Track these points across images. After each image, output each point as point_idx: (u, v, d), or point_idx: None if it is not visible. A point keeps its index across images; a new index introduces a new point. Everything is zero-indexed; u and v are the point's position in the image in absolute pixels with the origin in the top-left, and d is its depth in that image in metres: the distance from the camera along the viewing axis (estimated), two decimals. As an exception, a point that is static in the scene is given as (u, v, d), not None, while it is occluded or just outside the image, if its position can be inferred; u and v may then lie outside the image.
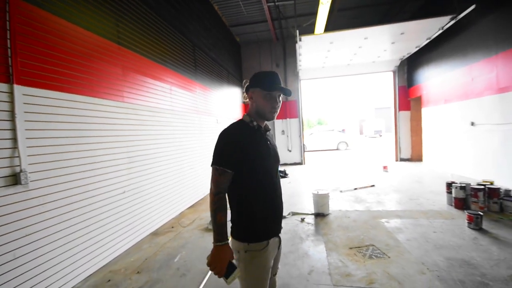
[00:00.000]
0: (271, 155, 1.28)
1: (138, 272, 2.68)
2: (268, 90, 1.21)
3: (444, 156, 6.90)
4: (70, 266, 2.41)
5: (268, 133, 1.36)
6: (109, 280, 2.54)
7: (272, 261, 1.30)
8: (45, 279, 2.15)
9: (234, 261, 1.18)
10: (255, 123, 1.27)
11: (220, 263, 1.13)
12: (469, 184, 3.91)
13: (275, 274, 1.41)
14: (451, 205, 4.07)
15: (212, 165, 1.19)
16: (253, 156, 1.19)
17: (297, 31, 6.02)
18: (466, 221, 3.29)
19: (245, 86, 1.31)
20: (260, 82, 1.23)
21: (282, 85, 1.25)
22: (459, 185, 3.91)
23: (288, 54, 9.61)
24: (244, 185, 1.21)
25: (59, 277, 2.29)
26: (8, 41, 1.93)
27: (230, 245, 1.21)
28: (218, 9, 7.17)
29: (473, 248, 2.75)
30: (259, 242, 1.20)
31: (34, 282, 2.07)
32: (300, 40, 6.22)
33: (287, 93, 1.24)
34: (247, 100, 1.32)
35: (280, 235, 1.34)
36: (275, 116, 1.27)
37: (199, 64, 5.87)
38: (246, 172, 1.18)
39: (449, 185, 4.12)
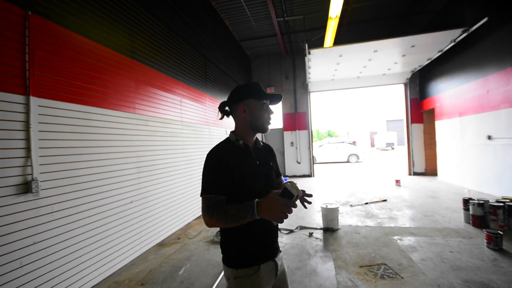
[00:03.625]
0: (258, 175, 1.17)
1: (142, 284, 2.65)
2: (263, 98, 1.15)
3: (460, 170, 6.64)
4: (76, 276, 2.41)
5: (259, 149, 1.26)
6: (112, 292, 2.52)
7: None
8: (50, 289, 2.16)
9: (274, 192, 0.99)
10: (241, 142, 1.18)
11: (277, 208, 0.91)
12: (488, 201, 3.72)
13: None
14: (469, 223, 3.87)
15: (202, 195, 1.07)
16: (237, 177, 1.09)
17: (306, 44, 6.11)
18: (485, 240, 3.10)
19: (226, 102, 1.22)
20: (252, 92, 1.16)
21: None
22: (477, 202, 3.72)
23: (297, 66, 9.70)
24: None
25: (64, 287, 2.29)
26: (27, 55, 2.04)
27: (224, 270, 1.15)
28: (229, 24, 7.38)
29: (492, 270, 2.57)
30: (248, 267, 1.10)
31: (39, 291, 2.08)
32: (309, 53, 6.28)
33: (279, 99, 1.20)
34: (221, 118, 1.25)
35: (276, 259, 1.20)
36: (269, 129, 1.21)
37: (210, 77, 5.99)
38: (230, 194, 1.09)
39: (466, 202, 3.93)
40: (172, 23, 4.39)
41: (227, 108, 1.24)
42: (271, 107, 1.24)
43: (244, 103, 1.17)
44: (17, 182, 1.97)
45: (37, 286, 2.06)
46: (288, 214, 0.92)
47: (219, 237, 3.67)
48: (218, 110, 1.25)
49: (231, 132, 1.22)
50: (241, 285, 1.09)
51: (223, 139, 1.21)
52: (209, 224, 1.03)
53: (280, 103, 9.61)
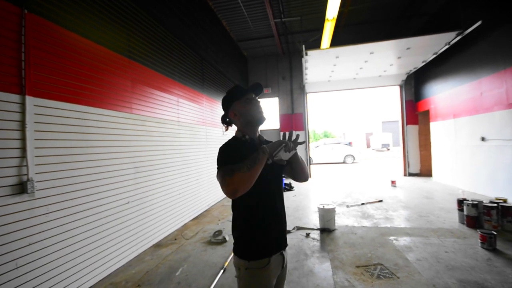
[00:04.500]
0: (267, 168, 1.18)
1: (138, 285, 2.63)
2: (243, 95, 1.25)
3: (455, 171, 6.73)
4: (72, 277, 2.39)
5: (264, 143, 1.28)
6: (109, 293, 2.50)
7: (275, 280, 1.24)
8: (45, 290, 2.14)
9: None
10: (247, 137, 1.28)
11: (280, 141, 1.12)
12: (482, 202, 3.77)
13: None
14: (463, 223, 3.92)
15: (219, 168, 1.13)
16: None
17: (303, 46, 6.13)
18: (479, 240, 3.15)
19: (224, 115, 1.34)
20: (232, 96, 1.27)
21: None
22: (471, 202, 3.77)
23: (294, 68, 9.74)
24: (242, 200, 1.17)
25: (59, 289, 2.26)
26: (23, 54, 2.02)
27: (234, 258, 1.22)
28: (226, 24, 7.38)
29: (486, 270, 2.61)
30: (259, 259, 1.16)
31: (34, 293, 2.05)
32: (306, 54, 6.31)
33: (258, 88, 1.27)
34: (227, 130, 1.37)
35: (284, 252, 1.28)
36: (265, 117, 1.29)
37: (207, 77, 5.99)
38: None
39: (461, 202, 3.98)
40: (169, 22, 4.38)
41: (227, 119, 1.34)
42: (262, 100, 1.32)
43: (232, 109, 1.28)
44: (12, 183, 1.95)
45: (33, 287, 2.03)
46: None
47: (217, 238, 3.67)
48: (222, 124, 1.37)
49: (237, 131, 1.32)
50: (251, 276, 1.16)
51: (230, 138, 1.31)
52: (234, 184, 1.03)
53: (277, 104, 9.56)
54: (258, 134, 1.33)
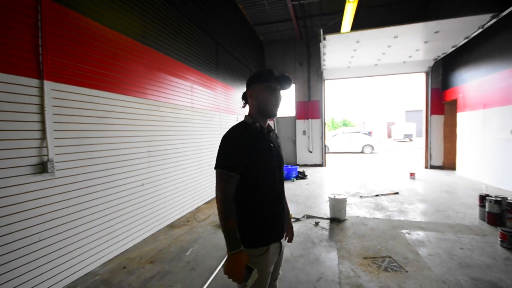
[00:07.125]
0: (273, 158, 1.23)
1: (151, 262, 2.79)
2: (267, 81, 1.20)
3: (480, 165, 6.33)
4: (91, 251, 2.58)
5: (271, 134, 1.32)
6: (124, 267, 2.67)
7: (272, 267, 1.27)
8: (67, 261, 2.33)
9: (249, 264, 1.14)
10: (257, 124, 1.23)
11: (236, 271, 1.09)
12: (506, 198, 3.54)
13: (276, 279, 1.38)
14: (484, 220, 3.73)
15: (216, 168, 1.15)
16: (255, 159, 1.15)
17: (321, 30, 5.86)
18: (499, 239, 2.99)
19: (243, 93, 1.32)
20: (258, 77, 1.22)
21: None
22: (494, 198, 3.56)
23: (312, 53, 9.41)
24: (244, 188, 1.17)
25: (80, 260, 2.46)
26: (40, 39, 2.10)
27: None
28: (242, 8, 7.20)
29: (503, 269, 2.49)
30: (258, 247, 1.18)
31: (58, 263, 2.25)
32: (324, 39, 6.04)
33: (285, 81, 1.22)
34: (243, 105, 1.33)
35: (281, 240, 1.31)
36: (278, 112, 1.25)
37: (221, 63, 5.94)
38: (247, 175, 1.15)
39: (483, 198, 3.77)
40: (184, 7, 4.34)
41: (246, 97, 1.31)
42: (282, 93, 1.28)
43: (251, 88, 1.24)
44: (34, 163, 2.09)
45: (56, 258, 2.22)
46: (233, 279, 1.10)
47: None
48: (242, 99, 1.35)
49: (247, 116, 1.27)
50: (251, 264, 1.16)
51: (239, 122, 1.26)
52: (217, 205, 1.15)
53: (293, 91, 9.37)
54: (267, 123, 1.30)
